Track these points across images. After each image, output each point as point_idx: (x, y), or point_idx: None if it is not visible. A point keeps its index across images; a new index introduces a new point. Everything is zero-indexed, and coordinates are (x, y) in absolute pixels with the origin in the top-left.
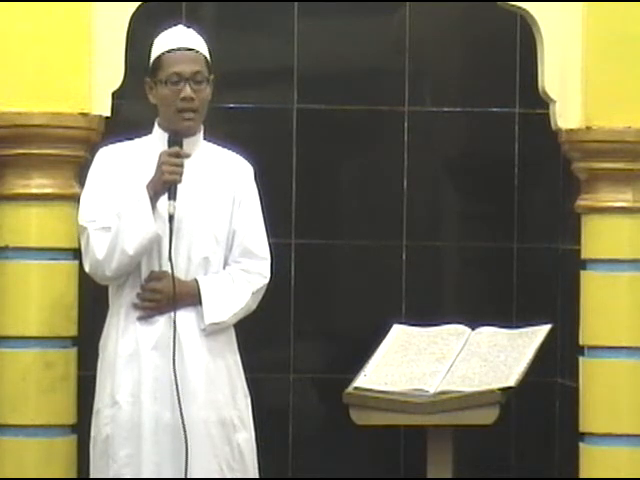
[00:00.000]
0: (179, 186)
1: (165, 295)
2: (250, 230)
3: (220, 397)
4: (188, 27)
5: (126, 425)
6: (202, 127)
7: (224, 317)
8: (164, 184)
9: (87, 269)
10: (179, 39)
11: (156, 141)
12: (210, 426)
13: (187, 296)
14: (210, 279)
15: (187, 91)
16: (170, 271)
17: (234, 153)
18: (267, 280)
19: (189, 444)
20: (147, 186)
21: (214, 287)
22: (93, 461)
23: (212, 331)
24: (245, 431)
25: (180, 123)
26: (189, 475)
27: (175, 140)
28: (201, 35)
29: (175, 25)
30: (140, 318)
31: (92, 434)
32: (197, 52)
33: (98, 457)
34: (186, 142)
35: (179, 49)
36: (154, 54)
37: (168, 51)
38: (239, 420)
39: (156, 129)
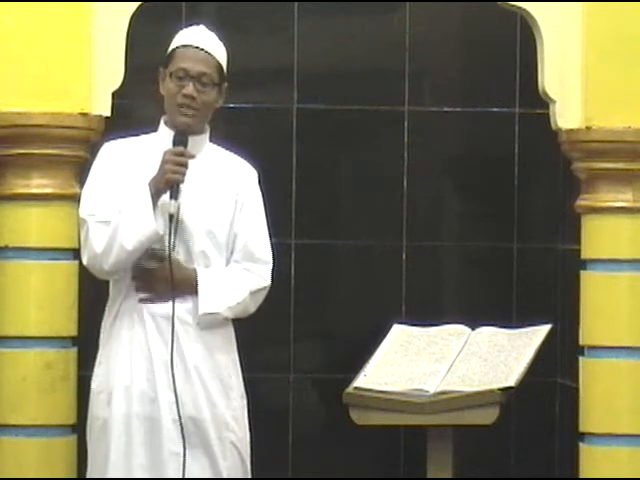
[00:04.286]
0: (181, 186)
1: (161, 277)
2: (253, 234)
3: (214, 395)
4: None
5: (119, 414)
6: (208, 128)
7: (219, 308)
8: (166, 183)
9: (85, 262)
10: (196, 37)
11: (162, 138)
12: (202, 424)
13: (184, 281)
14: (209, 271)
15: (189, 88)
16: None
17: (239, 157)
18: (267, 284)
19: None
20: (149, 183)
21: (212, 278)
22: (90, 445)
23: (207, 323)
24: (239, 431)
25: (178, 117)
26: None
27: (180, 140)
28: None
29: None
30: (141, 301)
31: (88, 421)
32: (209, 54)
33: (95, 443)
34: (192, 141)
35: (192, 46)
36: (171, 46)
37: (183, 46)
38: (233, 419)
39: (162, 126)
